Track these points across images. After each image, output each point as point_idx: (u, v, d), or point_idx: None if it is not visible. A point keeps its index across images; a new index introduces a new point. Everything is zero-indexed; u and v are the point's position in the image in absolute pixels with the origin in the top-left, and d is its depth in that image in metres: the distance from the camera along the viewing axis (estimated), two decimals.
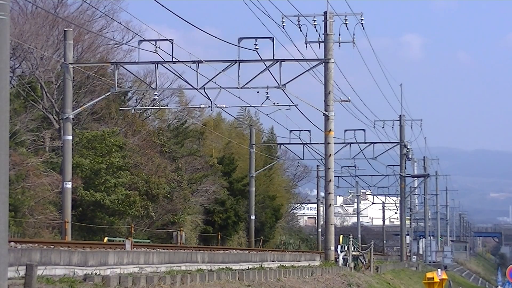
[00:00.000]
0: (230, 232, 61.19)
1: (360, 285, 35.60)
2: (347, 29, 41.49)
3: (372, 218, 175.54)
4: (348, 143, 59.86)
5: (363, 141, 60.53)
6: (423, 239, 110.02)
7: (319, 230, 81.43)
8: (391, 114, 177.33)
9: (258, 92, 39.19)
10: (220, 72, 37.51)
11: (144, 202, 44.79)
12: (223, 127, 74.93)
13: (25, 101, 44.43)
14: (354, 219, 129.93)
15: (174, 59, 37.34)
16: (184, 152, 57.59)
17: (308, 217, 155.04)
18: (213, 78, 37.59)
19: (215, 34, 42.09)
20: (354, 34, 41.41)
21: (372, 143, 61.97)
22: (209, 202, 58.34)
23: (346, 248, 43.05)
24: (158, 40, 36.64)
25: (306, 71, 39.42)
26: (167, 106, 57.42)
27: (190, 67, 37.54)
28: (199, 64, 37.40)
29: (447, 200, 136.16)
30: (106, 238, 37.47)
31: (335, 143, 43.58)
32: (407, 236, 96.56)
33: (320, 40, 41.26)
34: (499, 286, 55.58)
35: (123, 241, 31.00)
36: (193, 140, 63.79)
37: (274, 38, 36.82)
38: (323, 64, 40.48)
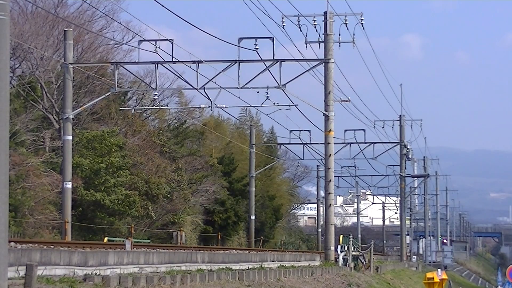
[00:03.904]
0: (230, 232, 61.19)
1: (360, 285, 35.59)
2: (347, 29, 41.46)
3: (372, 218, 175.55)
4: (348, 143, 59.81)
5: (363, 141, 60.48)
6: (423, 239, 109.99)
7: (319, 230, 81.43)
8: (391, 114, 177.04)
9: (258, 92, 39.18)
10: (220, 72, 37.48)
11: (144, 202, 44.81)
12: (224, 127, 74.91)
13: (25, 101, 44.43)
14: (354, 219, 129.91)
15: (174, 59, 37.31)
16: (184, 152, 57.58)
17: (308, 217, 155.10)
18: (213, 78, 37.58)
19: (215, 34, 42.22)
20: (354, 34, 41.38)
21: (372, 143, 61.93)
22: (209, 202, 58.33)
23: (346, 248, 43.02)
24: (158, 40, 36.62)
25: (306, 71, 39.39)
26: (167, 106, 57.45)
27: (190, 67, 37.53)
28: (199, 64, 37.38)
29: (447, 200, 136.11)
30: (106, 238, 37.47)
31: (335, 143, 43.52)
32: (407, 236, 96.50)
33: (320, 40, 41.19)
34: (499, 286, 55.62)
35: (123, 241, 30.98)
36: (193, 140, 63.78)
37: (274, 38, 36.81)
38: (323, 64, 40.43)
